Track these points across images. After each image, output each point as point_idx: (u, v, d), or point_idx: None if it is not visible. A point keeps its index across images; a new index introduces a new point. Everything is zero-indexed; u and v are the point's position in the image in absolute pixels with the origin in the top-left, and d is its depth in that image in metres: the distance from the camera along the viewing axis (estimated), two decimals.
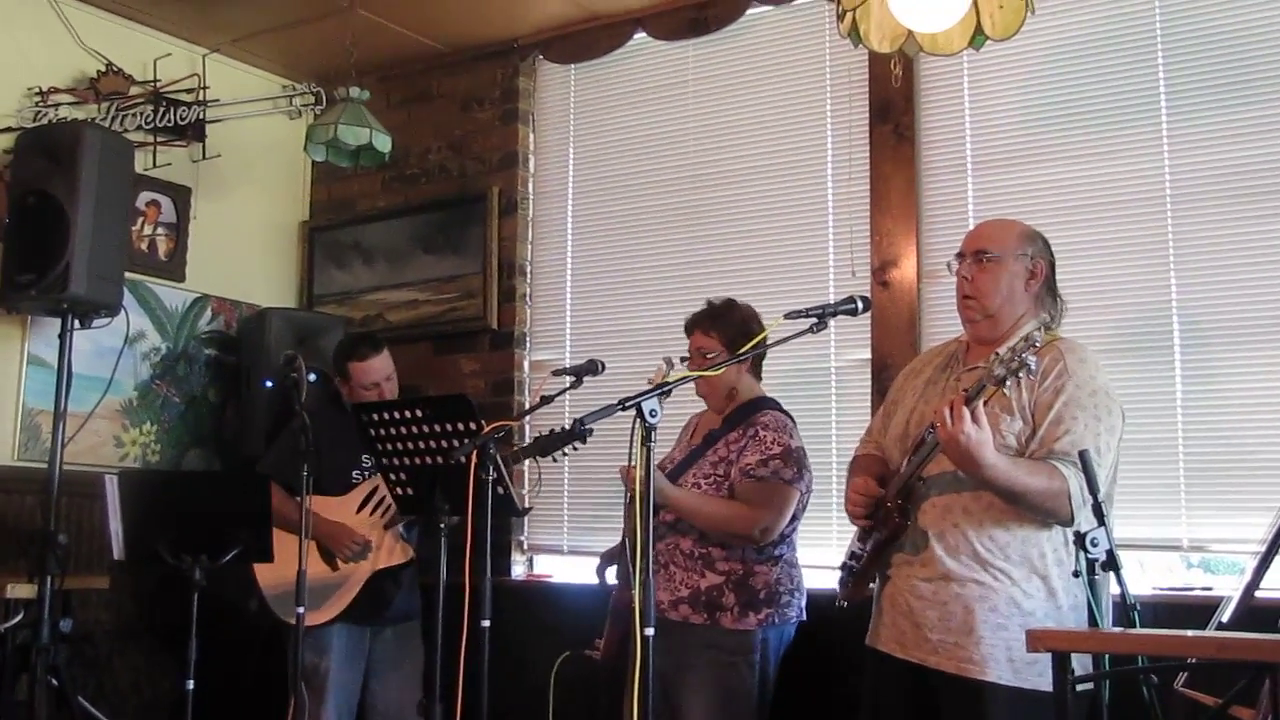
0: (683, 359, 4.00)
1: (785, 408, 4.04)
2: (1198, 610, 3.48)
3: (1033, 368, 2.85)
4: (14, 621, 4.32)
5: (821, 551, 4.32)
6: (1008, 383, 2.87)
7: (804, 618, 3.94)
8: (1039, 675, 2.95)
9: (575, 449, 3.54)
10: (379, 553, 4.44)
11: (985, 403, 2.93)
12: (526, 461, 5.29)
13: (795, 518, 3.90)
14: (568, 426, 3.55)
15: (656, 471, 3.67)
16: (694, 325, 4.04)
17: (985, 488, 3.05)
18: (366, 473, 4.53)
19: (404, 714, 4.55)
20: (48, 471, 4.56)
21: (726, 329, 3.95)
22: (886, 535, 3.24)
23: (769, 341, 3.27)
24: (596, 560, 4.22)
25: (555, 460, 3.56)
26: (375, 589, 4.44)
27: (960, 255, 3.32)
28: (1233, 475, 3.98)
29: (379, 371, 4.55)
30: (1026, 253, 3.26)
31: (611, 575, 4.11)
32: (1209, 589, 3.93)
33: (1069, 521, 3.02)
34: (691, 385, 3.94)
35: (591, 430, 3.10)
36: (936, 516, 3.17)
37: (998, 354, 2.90)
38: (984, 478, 2.98)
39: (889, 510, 3.22)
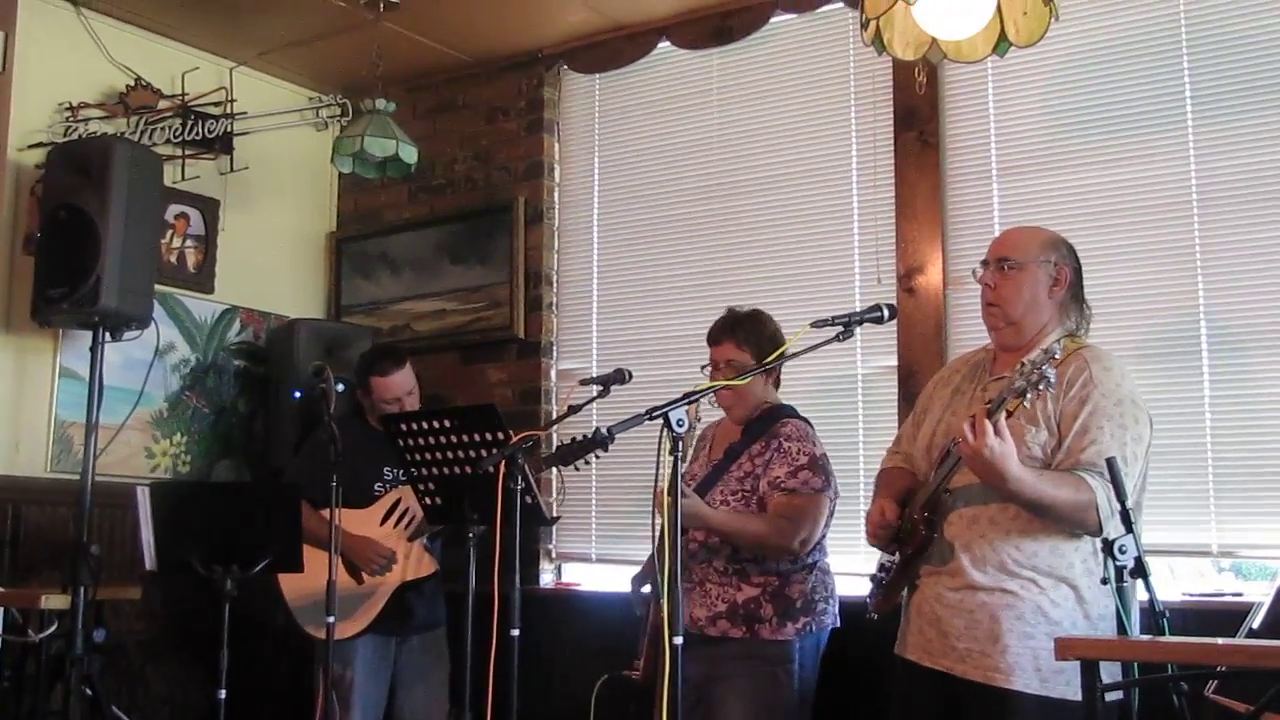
0: (703, 367, 3.99)
1: (803, 413, 4.03)
2: (1228, 616, 3.47)
3: (1051, 380, 2.83)
4: (49, 632, 4.35)
5: (850, 559, 4.32)
6: (1028, 395, 2.86)
7: (839, 624, 3.93)
8: (1066, 684, 2.94)
9: (598, 457, 3.55)
10: (405, 565, 4.45)
11: (1010, 415, 2.92)
12: (554, 470, 5.32)
13: (825, 524, 3.89)
14: (590, 435, 3.58)
15: (694, 496, 3.68)
16: (722, 335, 3.98)
17: (1011, 501, 3.04)
18: (389, 485, 4.54)
19: None
20: (80, 483, 4.59)
21: (759, 341, 3.89)
22: (914, 548, 3.24)
23: (795, 349, 3.26)
24: (625, 568, 4.23)
25: (578, 469, 3.57)
26: (400, 601, 4.45)
27: (985, 262, 3.32)
28: (1263, 480, 3.96)
29: (400, 387, 4.55)
30: (1050, 259, 3.25)
31: (647, 590, 4.10)
32: (1239, 595, 3.91)
33: (1097, 532, 3.01)
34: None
35: (613, 438, 3.11)
36: (963, 528, 3.16)
37: (1021, 365, 2.90)
38: (1009, 491, 2.97)
39: (915, 523, 3.21)
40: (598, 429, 3.33)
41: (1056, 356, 2.87)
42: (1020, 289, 3.24)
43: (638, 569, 4.19)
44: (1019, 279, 3.24)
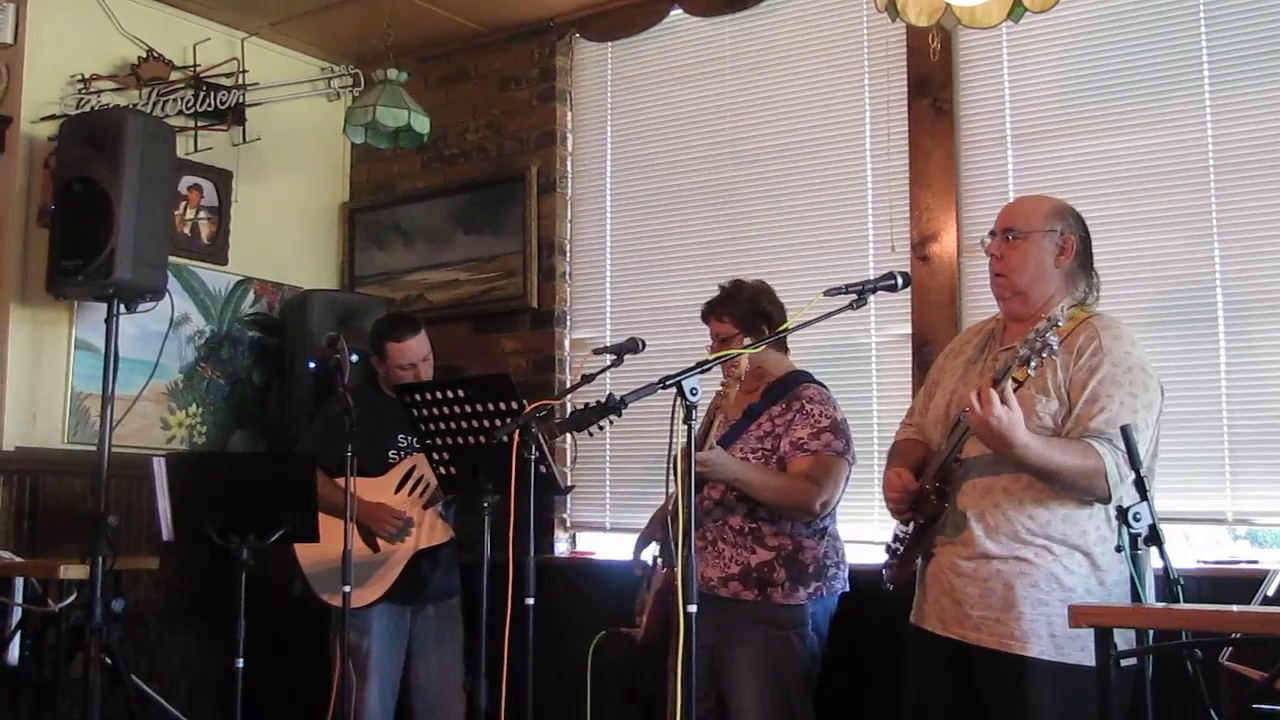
0: (708, 348, 4.02)
1: (821, 380, 4.05)
2: (1243, 583, 3.47)
3: (1055, 347, 2.85)
4: (68, 601, 4.38)
5: (863, 527, 4.33)
6: (1032, 363, 2.87)
7: (848, 588, 3.95)
8: (1080, 650, 2.95)
9: (611, 423, 3.55)
10: (420, 532, 4.47)
11: (1020, 384, 2.92)
12: (568, 438, 5.34)
13: (843, 488, 3.91)
14: (603, 400, 3.58)
15: (718, 448, 3.69)
16: (707, 314, 4.07)
17: (1020, 468, 3.05)
18: (403, 452, 4.56)
19: (446, 692, 4.59)
20: (97, 454, 4.61)
21: (735, 309, 3.98)
22: (926, 519, 3.25)
23: (810, 317, 3.24)
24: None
25: (591, 434, 3.57)
26: (415, 569, 4.47)
27: (992, 232, 3.32)
28: (1278, 447, 3.94)
29: (415, 352, 4.57)
30: (1056, 229, 3.24)
31: (648, 554, 4.13)
32: (1255, 562, 3.91)
33: (1107, 499, 3.02)
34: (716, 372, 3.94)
35: (625, 403, 3.11)
36: (976, 497, 3.17)
37: (1027, 335, 2.90)
38: (1017, 458, 2.98)
39: (927, 493, 3.22)
40: (610, 395, 3.33)
41: (1060, 324, 2.88)
42: (1026, 259, 3.23)
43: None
44: (1024, 249, 3.23)
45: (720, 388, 3.81)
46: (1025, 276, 3.24)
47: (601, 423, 3.48)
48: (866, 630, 3.97)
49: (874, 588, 3.49)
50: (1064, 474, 3.01)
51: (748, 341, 3.84)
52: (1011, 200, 3.74)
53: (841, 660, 4.00)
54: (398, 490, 4.52)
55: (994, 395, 2.87)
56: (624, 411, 3.11)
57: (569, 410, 5.26)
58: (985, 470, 3.15)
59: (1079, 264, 3.26)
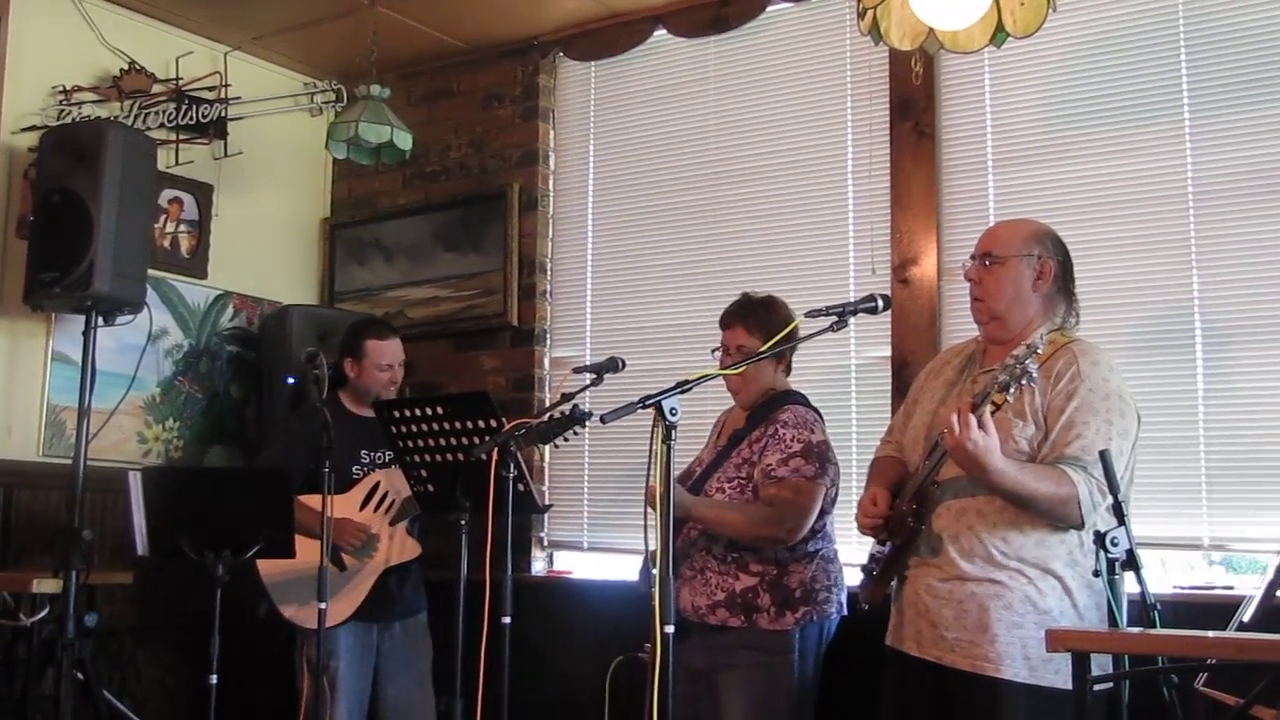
0: (714, 350, 3.99)
1: (810, 401, 4.04)
2: (1219, 609, 3.47)
3: (1034, 375, 2.87)
4: (40, 616, 4.36)
5: (842, 549, 4.31)
6: (1011, 389, 2.88)
7: (845, 613, 3.93)
8: (1055, 673, 2.96)
9: (576, 433, 3.61)
10: (389, 548, 4.44)
11: (997, 408, 2.93)
12: (546, 457, 5.34)
13: (825, 512, 3.88)
14: (568, 411, 3.58)
15: (677, 486, 3.68)
16: (734, 320, 3.98)
17: (994, 493, 3.06)
18: (366, 468, 4.53)
19: (415, 710, 4.55)
20: (72, 467, 4.59)
21: (770, 328, 3.83)
22: (902, 540, 3.25)
23: (790, 339, 3.25)
24: (617, 556, 4.24)
25: (558, 445, 3.57)
26: (384, 585, 4.44)
27: (972, 257, 3.34)
28: (1254, 474, 3.96)
29: (394, 354, 4.58)
30: (1034, 253, 3.26)
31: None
32: (1230, 588, 3.92)
33: (1080, 526, 3.04)
34: (721, 381, 3.93)
35: (590, 414, 3.10)
36: (951, 519, 3.17)
37: (1006, 360, 2.91)
38: (991, 483, 3.00)
39: (903, 515, 3.22)
40: (575, 406, 3.30)
41: (1039, 351, 2.91)
42: (1002, 284, 3.25)
43: (635, 556, 4.19)
44: (1001, 274, 3.25)
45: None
46: (1002, 301, 3.26)
47: (568, 434, 3.50)
48: (856, 649, 3.95)
49: (860, 609, 3.48)
50: (1037, 500, 3.02)
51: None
52: (992, 224, 3.76)
53: (838, 680, 3.97)
54: (362, 506, 4.48)
55: (971, 419, 2.89)
56: (604, 427, 3.09)
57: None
58: (961, 492, 3.16)
59: (1058, 288, 3.28)
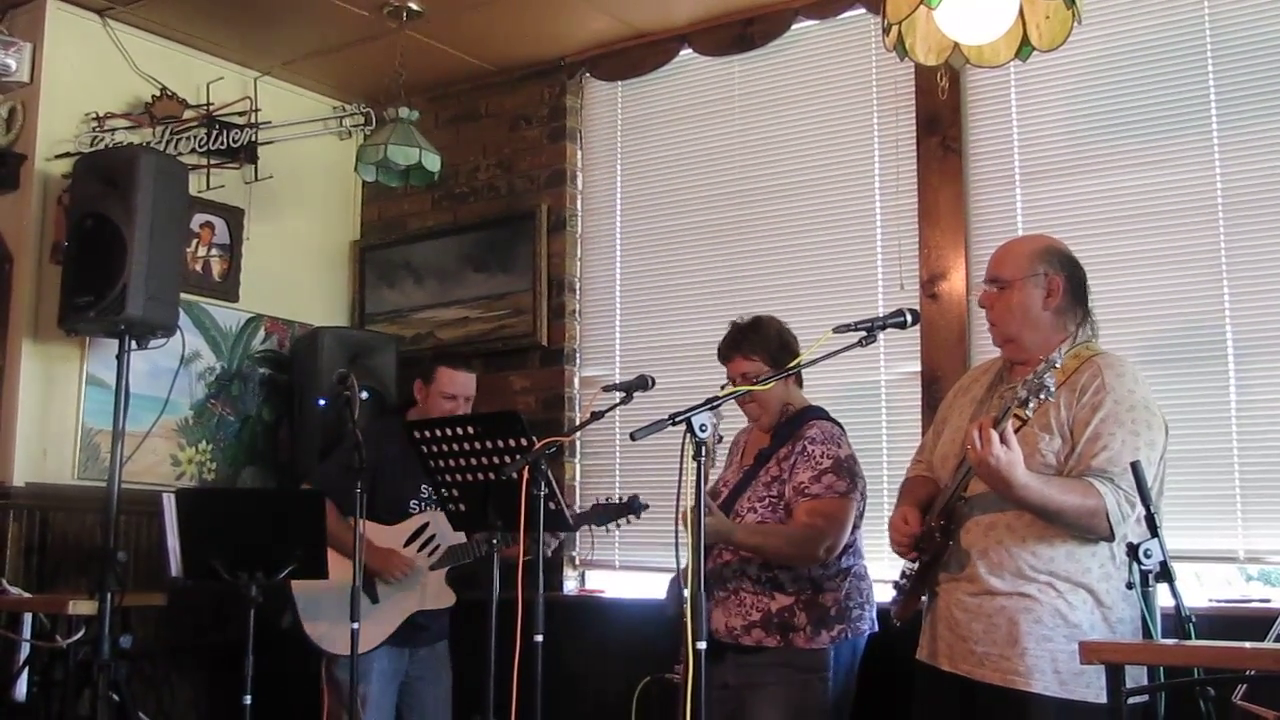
0: (722, 388, 3.99)
1: (832, 415, 4.02)
2: (1256, 623, 3.45)
3: (1051, 390, 2.87)
4: (76, 637, 4.38)
5: (875, 566, 4.30)
6: (1030, 404, 2.88)
7: (875, 629, 3.91)
8: (1086, 686, 2.95)
9: (629, 522, 3.77)
10: (424, 591, 4.46)
11: (1023, 423, 2.93)
12: (578, 477, 5.35)
13: (855, 527, 3.87)
14: (624, 499, 3.81)
15: (718, 513, 3.68)
16: (732, 350, 3.99)
17: (1020, 507, 3.05)
18: (424, 504, 4.54)
19: None
20: (107, 490, 4.62)
21: (767, 346, 3.91)
22: (931, 556, 3.25)
23: (818, 355, 3.25)
24: (649, 575, 4.22)
25: (608, 531, 3.57)
26: (409, 621, 4.47)
27: (986, 280, 3.35)
28: None
29: (465, 387, 4.61)
30: (1039, 272, 3.25)
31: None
32: (1267, 601, 3.88)
33: (1109, 537, 3.03)
34: (736, 405, 3.93)
35: (647, 505, 3.09)
36: (980, 534, 3.17)
37: (1029, 375, 2.92)
38: (1016, 497, 2.99)
39: (931, 531, 3.22)
40: (634, 496, 3.28)
41: (1058, 366, 2.90)
42: (1011, 307, 3.27)
43: (666, 575, 4.17)
44: (1009, 298, 3.27)
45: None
46: (1014, 325, 3.27)
47: (620, 522, 3.51)
48: (886, 665, 3.93)
49: (892, 625, 3.47)
50: (1064, 513, 3.01)
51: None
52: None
53: (870, 699, 3.95)
54: (407, 544, 4.50)
55: (994, 435, 2.88)
56: (635, 445, 3.09)
57: (578, 448, 5.29)
58: (989, 507, 3.15)
59: (1070, 302, 3.27)
